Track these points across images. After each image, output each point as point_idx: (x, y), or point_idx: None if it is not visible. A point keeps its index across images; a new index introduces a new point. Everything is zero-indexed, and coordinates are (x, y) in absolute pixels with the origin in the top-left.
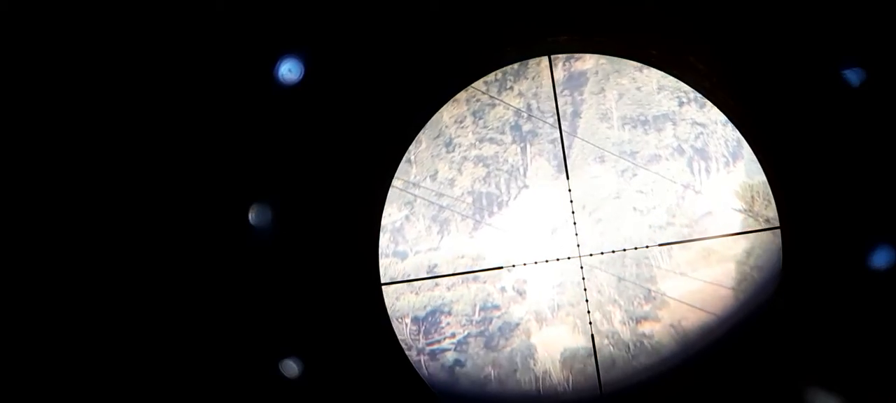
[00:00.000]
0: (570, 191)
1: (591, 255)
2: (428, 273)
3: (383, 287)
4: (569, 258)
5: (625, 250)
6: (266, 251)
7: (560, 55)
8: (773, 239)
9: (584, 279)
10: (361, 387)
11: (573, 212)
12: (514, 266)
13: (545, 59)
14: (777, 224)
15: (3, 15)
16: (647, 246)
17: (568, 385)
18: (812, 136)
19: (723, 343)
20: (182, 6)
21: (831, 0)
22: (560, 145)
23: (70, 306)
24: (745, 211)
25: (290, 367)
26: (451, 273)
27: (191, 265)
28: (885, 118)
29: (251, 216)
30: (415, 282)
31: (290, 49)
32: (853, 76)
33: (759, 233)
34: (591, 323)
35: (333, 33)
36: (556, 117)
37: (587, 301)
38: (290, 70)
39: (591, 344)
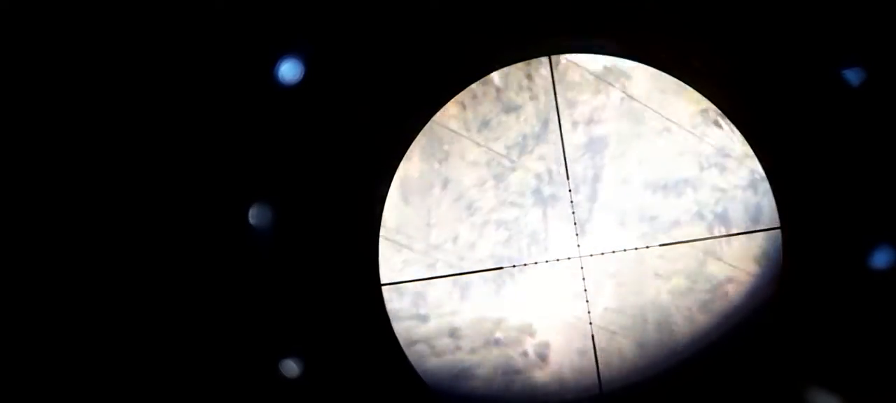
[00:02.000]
0: (570, 191)
1: (587, 252)
2: (450, 335)
3: (383, 287)
4: (564, 256)
5: (617, 251)
6: (266, 251)
7: (578, 116)
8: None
9: (583, 276)
10: (361, 387)
11: (573, 211)
12: (513, 266)
13: (566, 123)
14: (777, 224)
15: (3, 15)
16: (646, 247)
17: (560, 382)
18: (812, 136)
19: (723, 343)
20: (182, 6)
21: (831, 0)
22: (579, 206)
23: (70, 306)
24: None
25: (290, 367)
26: (450, 273)
27: (191, 265)
28: (885, 118)
29: (251, 216)
30: (435, 343)
31: (290, 49)
32: (853, 76)
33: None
34: (591, 323)
35: (333, 33)
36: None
37: (587, 301)
38: (290, 70)
39: (581, 342)
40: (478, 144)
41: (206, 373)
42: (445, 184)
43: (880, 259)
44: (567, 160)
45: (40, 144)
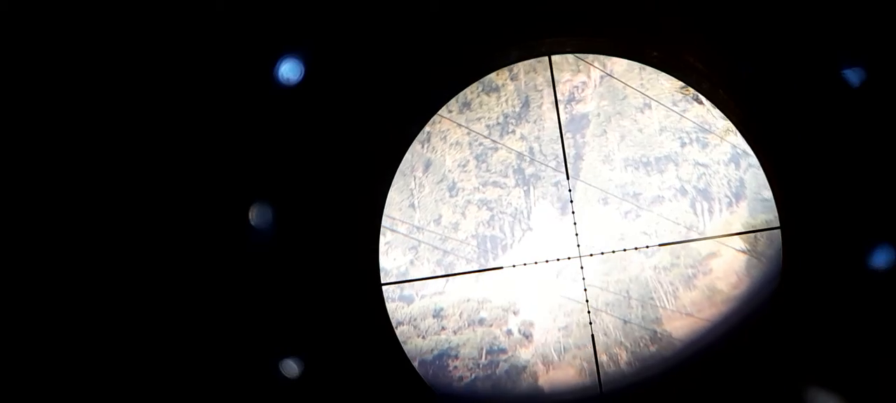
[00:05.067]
0: (570, 191)
1: (588, 253)
2: (434, 317)
3: (383, 287)
4: (565, 257)
5: (617, 251)
6: (266, 251)
7: (562, 93)
8: (773, 278)
9: (583, 276)
10: (361, 387)
11: (573, 211)
12: (513, 266)
13: (546, 102)
14: (777, 224)
15: (3, 15)
16: (646, 247)
17: (560, 382)
18: (812, 136)
19: (723, 342)
20: (182, 6)
21: (831, 0)
22: (563, 185)
23: (70, 306)
24: (748, 251)
25: (290, 367)
26: (452, 273)
27: (191, 265)
28: (885, 118)
29: (252, 216)
30: (420, 325)
31: (290, 49)
32: (853, 76)
33: (761, 270)
34: (591, 323)
35: (333, 34)
36: (559, 137)
37: (587, 300)
38: (290, 70)
39: (580, 342)
40: (459, 125)
41: (206, 373)
42: (427, 165)
43: (880, 259)
44: (564, 151)
45: (41, 144)
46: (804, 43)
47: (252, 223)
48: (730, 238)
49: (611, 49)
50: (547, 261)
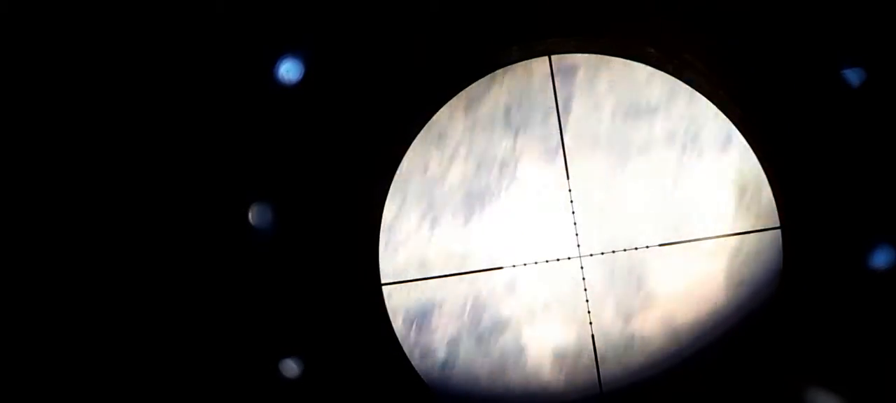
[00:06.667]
0: (570, 190)
1: (587, 252)
2: (419, 267)
3: (383, 287)
4: (565, 256)
5: (617, 251)
6: (266, 251)
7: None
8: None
9: (583, 275)
10: (361, 387)
11: (573, 211)
12: (514, 266)
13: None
14: (777, 224)
15: (3, 15)
16: (646, 247)
17: (559, 382)
18: (812, 136)
19: (722, 342)
20: (182, 6)
21: (831, 0)
22: (555, 142)
23: (69, 306)
24: (738, 198)
25: (290, 367)
26: (449, 273)
27: (190, 265)
28: (885, 118)
29: (251, 216)
30: (404, 277)
31: (289, 49)
32: (853, 76)
33: (760, 271)
34: (591, 323)
35: (333, 33)
36: (556, 117)
37: (587, 300)
38: (289, 70)
39: (580, 342)
40: None
41: (207, 373)
42: None
43: (880, 259)
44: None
45: (40, 144)
46: (804, 43)
47: (252, 223)
48: (718, 185)
49: (611, 49)
50: (547, 261)
